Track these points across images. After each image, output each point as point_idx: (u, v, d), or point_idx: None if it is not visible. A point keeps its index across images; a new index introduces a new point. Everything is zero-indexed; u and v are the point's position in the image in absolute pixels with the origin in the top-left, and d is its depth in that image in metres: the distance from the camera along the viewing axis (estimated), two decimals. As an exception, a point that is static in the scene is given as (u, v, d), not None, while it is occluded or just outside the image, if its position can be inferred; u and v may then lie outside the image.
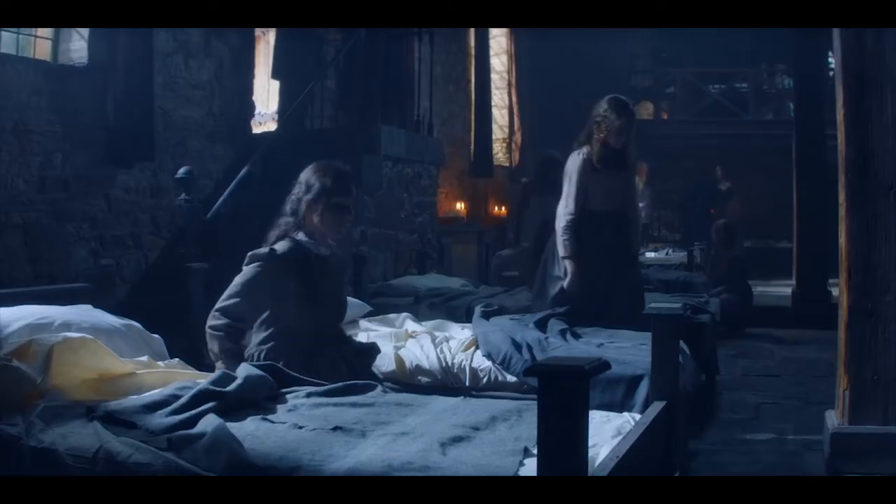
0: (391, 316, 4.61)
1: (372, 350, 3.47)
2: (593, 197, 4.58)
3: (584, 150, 4.59)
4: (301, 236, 3.27)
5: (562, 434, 1.69)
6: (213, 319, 3.18)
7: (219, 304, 3.20)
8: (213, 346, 3.18)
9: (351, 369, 3.28)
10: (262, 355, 3.19)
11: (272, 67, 7.10)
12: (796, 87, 8.90)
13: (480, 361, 3.81)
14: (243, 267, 3.25)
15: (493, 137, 10.93)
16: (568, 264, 4.55)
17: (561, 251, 4.58)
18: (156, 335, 3.66)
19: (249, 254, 3.26)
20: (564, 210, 4.59)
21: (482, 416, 2.68)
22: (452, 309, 5.33)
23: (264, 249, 3.23)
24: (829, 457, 3.06)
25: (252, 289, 3.19)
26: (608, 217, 4.61)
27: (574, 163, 4.60)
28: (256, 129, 7.10)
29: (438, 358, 3.85)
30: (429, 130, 7.56)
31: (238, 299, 3.18)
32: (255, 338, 3.26)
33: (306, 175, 3.32)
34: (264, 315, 3.25)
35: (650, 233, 11.64)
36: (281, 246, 3.24)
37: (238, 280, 3.22)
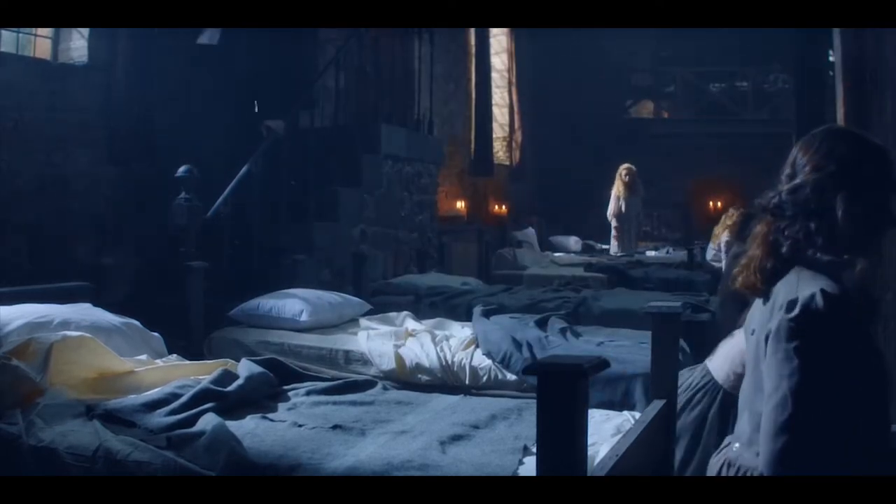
0: (391, 314, 4.62)
1: None
2: None
3: None
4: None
5: (561, 433, 1.69)
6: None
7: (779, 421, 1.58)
8: None
9: None
10: None
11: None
12: (797, 87, 8.88)
13: (480, 360, 3.82)
14: (782, 344, 1.58)
15: (494, 136, 10.94)
16: None
17: None
18: (155, 333, 3.67)
19: (791, 316, 1.58)
20: None
21: (482, 414, 2.69)
22: (452, 307, 5.34)
23: (823, 295, 1.57)
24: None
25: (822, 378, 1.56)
26: None
27: None
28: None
29: (438, 356, 3.85)
30: (429, 129, 7.56)
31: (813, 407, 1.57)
32: None
33: (837, 146, 1.72)
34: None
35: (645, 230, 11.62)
36: (835, 287, 1.62)
37: (794, 367, 1.56)
